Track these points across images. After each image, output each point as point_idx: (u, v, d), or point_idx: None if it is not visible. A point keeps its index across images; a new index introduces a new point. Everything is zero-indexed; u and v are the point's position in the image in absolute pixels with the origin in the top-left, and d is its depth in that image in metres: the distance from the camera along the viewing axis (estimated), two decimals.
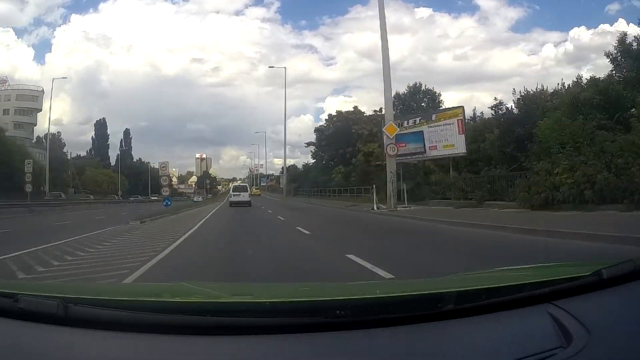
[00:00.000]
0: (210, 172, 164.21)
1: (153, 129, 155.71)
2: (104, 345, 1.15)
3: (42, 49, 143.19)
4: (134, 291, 2.06)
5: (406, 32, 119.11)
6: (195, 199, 63.00)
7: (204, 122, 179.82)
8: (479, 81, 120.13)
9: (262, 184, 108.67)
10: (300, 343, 1.14)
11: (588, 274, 1.37)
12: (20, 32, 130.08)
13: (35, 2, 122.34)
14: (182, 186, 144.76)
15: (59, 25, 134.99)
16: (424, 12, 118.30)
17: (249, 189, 42.17)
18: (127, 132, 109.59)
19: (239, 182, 71.82)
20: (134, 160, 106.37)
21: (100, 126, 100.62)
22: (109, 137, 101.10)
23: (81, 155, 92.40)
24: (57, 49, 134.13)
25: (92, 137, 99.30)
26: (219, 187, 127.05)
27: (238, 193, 36.62)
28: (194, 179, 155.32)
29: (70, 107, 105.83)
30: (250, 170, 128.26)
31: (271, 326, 1.18)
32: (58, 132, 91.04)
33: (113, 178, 77.63)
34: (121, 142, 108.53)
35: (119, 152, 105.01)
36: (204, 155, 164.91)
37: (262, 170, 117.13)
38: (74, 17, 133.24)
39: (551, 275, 1.52)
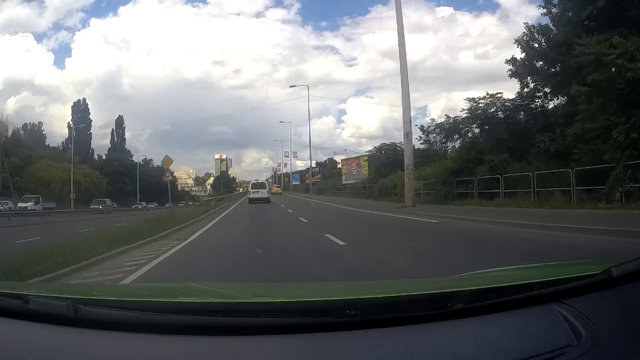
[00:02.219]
0: (229, 173, 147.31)
1: (175, 132, 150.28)
2: (114, 345, 1.15)
3: (61, 54, 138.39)
4: (143, 292, 2.03)
5: (427, 31, 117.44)
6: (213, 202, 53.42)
7: (226, 125, 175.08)
8: (500, 80, 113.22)
9: (294, 182, 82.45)
10: (311, 343, 1.13)
11: (598, 272, 1.36)
12: (39, 37, 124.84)
13: (54, 7, 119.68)
14: (195, 188, 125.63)
15: (79, 30, 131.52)
16: (445, 11, 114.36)
17: (267, 186, 41.92)
18: (119, 121, 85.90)
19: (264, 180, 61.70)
20: (130, 155, 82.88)
21: (80, 110, 77.21)
22: (92, 124, 77.84)
23: (50, 145, 69.84)
24: (77, 53, 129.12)
25: (68, 123, 76.13)
26: (239, 189, 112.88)
27: (257, 190, 36.77)
28: (211, 180, 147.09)
29: (90, 111, 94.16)
30: (273, 170, 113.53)
31: (282, 326, 1.17)
32: (39, 122, 71.14)
33: (77, 176, 53.82)
34: (112, 133, 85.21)
35: (110, 148, 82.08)
36: (224, 156, 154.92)
37: (284, 171, 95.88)
38: (94, 21, 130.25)
39: (561, 274, 1.51)
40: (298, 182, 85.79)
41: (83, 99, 79.22)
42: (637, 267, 1.35)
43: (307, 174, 77.06)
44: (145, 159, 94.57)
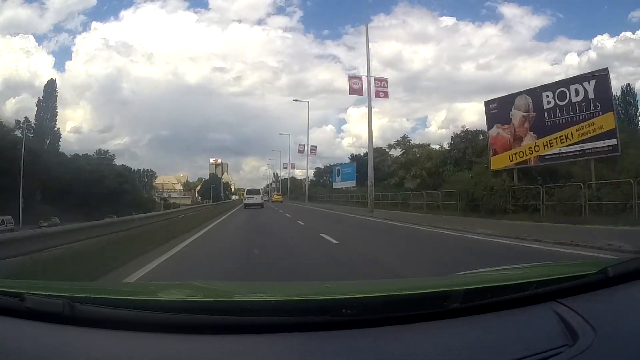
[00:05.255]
0: (223, 178, 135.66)
1: (175, 138, 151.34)
2: (111, 344, 1.13)
3: (62, 56, 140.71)
4: (141, 290, 2.01)
5: (430, 41, 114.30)
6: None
7: (226, 132, 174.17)
8: (502, 91, 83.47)
9: (339, 184, 48.19)
10: (307, 342, 1.13)
11: (594, 272, 1.36)
12: (40, 39, 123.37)
13: (55, 9, 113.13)
14: (175, 194, 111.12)
15: (79, 33, 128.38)
16: (448, 21, 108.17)
17: (261, 193, 44.39)
18: (50, 85, 56.30)
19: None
20: (59, 138, 52.59)
21: None
22: None
23: None
24: (77, 57, 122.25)
25: None
26: (234, 196, 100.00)
27: (252, 196, 40.25)
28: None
29: (90, 115, 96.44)
30: (274, 176, 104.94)
31: (278, 325, 1.17)
32: None
33: None
34: (38, 104, 54.78)
35: (36, 124, 52.27)
36: (219, 160, 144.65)
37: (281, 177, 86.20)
38: (95, 25, 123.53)
39: (557, 274, 1.51)
40: (352, 183, 48.76)
41: None
42: (633, 267, 1.36)
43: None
44: (100, 150, 63.63)
